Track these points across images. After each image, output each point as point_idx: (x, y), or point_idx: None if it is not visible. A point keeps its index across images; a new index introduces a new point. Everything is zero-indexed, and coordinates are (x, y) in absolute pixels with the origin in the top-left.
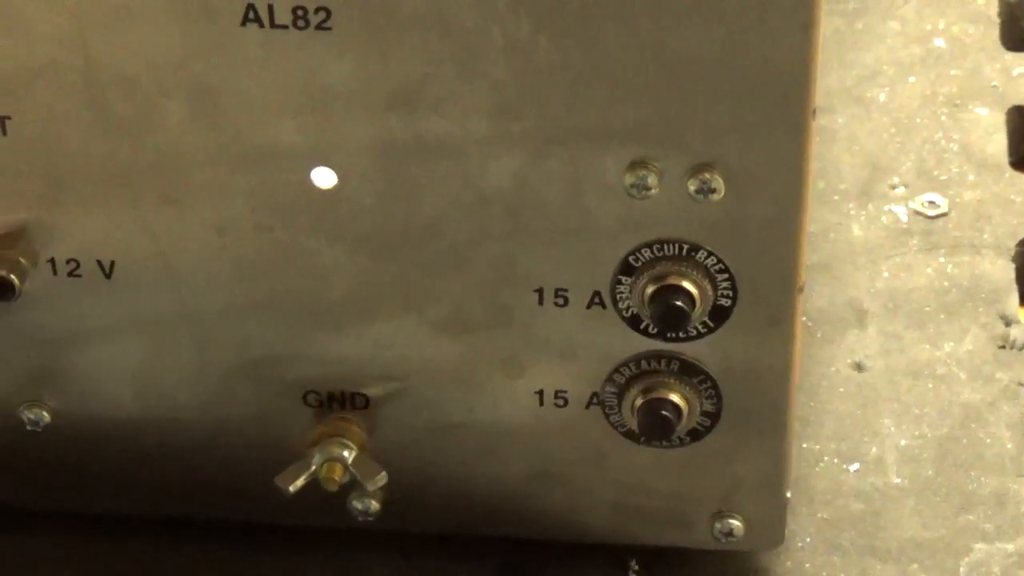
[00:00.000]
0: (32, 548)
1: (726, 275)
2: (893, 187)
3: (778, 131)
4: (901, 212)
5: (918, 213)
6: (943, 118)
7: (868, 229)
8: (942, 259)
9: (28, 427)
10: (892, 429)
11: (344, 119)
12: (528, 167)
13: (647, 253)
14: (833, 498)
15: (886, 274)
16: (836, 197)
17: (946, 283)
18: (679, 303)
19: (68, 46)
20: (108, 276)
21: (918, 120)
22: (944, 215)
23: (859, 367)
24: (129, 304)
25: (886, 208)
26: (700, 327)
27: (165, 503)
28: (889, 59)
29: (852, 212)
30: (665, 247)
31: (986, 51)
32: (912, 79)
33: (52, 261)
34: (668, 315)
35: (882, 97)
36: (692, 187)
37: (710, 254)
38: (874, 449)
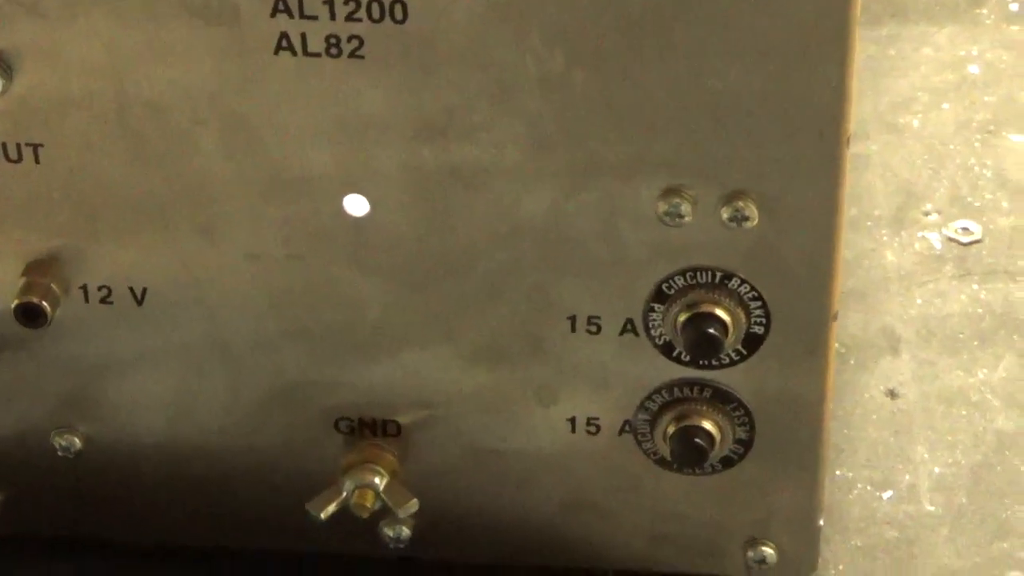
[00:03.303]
0: None
1: (759, 303)
2: (927, 214)
3: (812, 160)
4: (935, 239)
5: (952, 240)
6: (977, 145)
7: (901, 256)
8: (976, 286)
9: (60, 453)
10: (926, 456)
11: (377, 148)
12: (562, 197)
13: (680, 281)
14: (866, 526)
15: (919, 301)
16: (869, 224)
17: (980, 310)
18: (712, 331)
19: (102, 76)
20: (140, 303)
21: (952, 147)
22: (978, 242)
23: (892, 394)
24: (161, 331)
25: (919, 235)
26: (733, 355)
27: (196, 530)
28: (923, 86)
29: (886, 239)
30: (698, 275)
31: (1020, 77)
32: (946, 106)
33: (84, 288)
34: (701, 343)
35: (916, 124)
36: (725, 215)
37: (743, 282)
38: (907, 476)
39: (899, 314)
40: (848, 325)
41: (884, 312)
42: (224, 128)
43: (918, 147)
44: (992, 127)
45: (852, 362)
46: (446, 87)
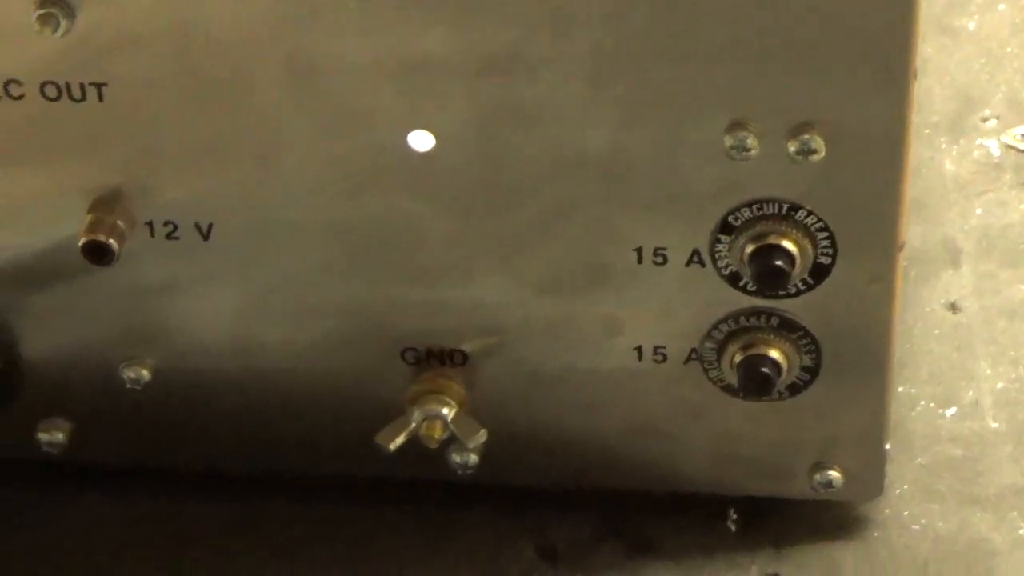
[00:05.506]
0: (129, 506)
1: (826, 234)
2: (984, 120)
3: (879, 90)
4: (993, 146)
5: (1010, 147)
6: None
7: (960, 164)
8: None
9: (128, 385)
10: (988, 372)
11: (440, 83)
12: (625, 130)
13: (746, 212)
14: (930, 444)
15: (979, 211)
16: (927, 131)
17: None
18: (779, 263)
19: (164, 13)
20: (206, 238)
21: (1009, 49)
22: None
23: (954, 308)
24: (227, 265)
25: (978, 142)
26: (800, 285)
27: (263, 459)
28: None
29: (944, 147)
30: (765, 207)
31: None
32: (1002, 6)
33: (150, 224)
34: (768, 274)
35: (971, 26)
36: (792, 148)
37: (810, 213)
38: (971, 393)
39: (959, 225)
40: (908, 237)
41: (944, 223)
42: (287, 65)
43: (974, 50)
44: None
45: (913, 275)
46: (508, 21)
